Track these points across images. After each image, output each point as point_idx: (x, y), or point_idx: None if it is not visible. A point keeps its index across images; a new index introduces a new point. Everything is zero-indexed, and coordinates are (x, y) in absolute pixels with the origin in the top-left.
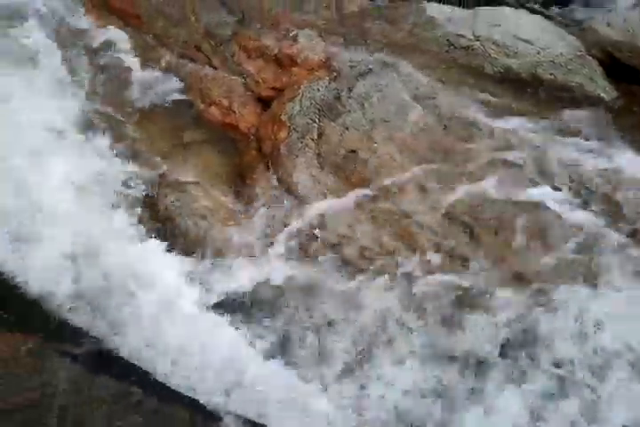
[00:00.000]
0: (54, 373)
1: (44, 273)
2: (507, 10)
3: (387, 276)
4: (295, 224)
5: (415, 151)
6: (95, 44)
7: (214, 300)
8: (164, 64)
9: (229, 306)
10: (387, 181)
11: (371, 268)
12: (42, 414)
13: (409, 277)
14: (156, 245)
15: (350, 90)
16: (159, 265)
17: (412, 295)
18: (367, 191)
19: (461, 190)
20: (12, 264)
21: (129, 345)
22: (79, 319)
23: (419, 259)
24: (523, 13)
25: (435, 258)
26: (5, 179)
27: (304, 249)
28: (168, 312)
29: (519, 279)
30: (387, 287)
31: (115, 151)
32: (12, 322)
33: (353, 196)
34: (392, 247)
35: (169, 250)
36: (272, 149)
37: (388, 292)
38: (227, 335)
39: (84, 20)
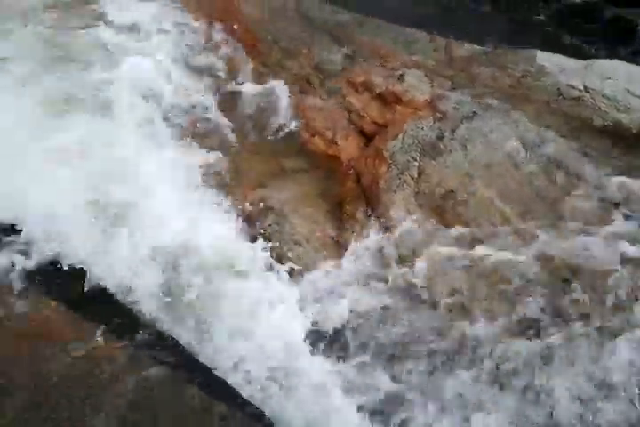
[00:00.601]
0: (147, 378)
1: (149, 289)
2: (619, 63)
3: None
4: (387, 257)
5: (517, 198)
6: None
7: (308, 324)
8: (274, 92)
9: (323, 335)
10: (485, 226)
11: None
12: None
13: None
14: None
15: (454, 131)
16: (257, 282)
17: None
18: (464, 233)
19: (564, 243)
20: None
21: (220, 361)
22: (173, 329)
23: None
24: (636, 68)
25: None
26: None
27: (393, 283)
28: (261, 330)
29: None
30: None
31: (218, 171)
32: (110, 328)
33: (449, 237)
34: (484, 295)
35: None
36: (371, 182)
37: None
38: (317, 364)
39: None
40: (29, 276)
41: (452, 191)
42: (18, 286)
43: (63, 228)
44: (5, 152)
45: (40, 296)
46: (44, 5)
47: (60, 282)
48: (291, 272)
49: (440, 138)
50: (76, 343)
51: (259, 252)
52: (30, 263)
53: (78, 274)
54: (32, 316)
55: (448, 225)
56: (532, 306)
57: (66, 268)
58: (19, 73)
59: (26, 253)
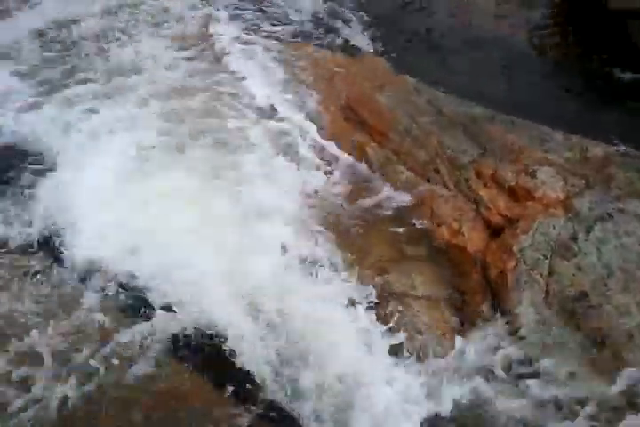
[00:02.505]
0: None
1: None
2: None
3: None
4: (509, 356)
5: None
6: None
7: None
8: (401, 179)
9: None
10: (620, 336)
11: None
12: None
13: None
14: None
15: (588, 232)
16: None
17: None
18: (596, 339)
19: None
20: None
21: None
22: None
23: None
24: None
25: None
26: None
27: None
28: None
29: None
30: None
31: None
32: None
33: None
34: None
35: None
36: (498, 277)
37: None
38: None
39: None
40: (170, 339)
41: (585, 294)
42: (157, 347)
43: (204, 296)
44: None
45: (178, 359)
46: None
47: (198, 346)
48: (410, 359)
49: (573, 238)
50: (207, 407)
51: (378, 337)
52: (172, 327)
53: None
54: (170, 377)
55: (578, 329)
56: None
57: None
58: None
59: (166, 317)
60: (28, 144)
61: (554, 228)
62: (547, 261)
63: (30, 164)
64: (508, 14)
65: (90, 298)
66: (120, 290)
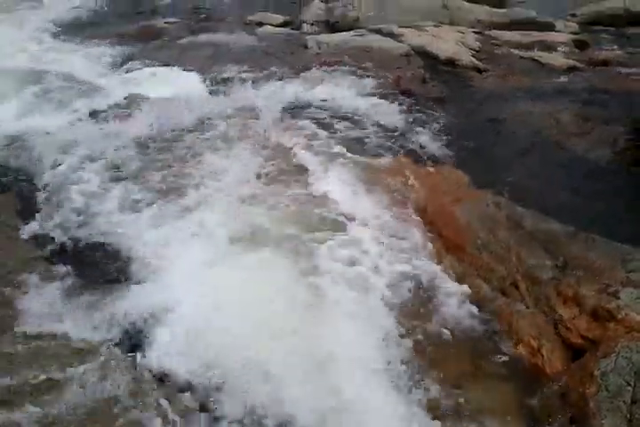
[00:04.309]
0: None
1: None
2: None
3: None
4: None
5: None
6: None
7: None
8: (479, 293)
9: None
10: None
11: None
12: None
13: None
14: None
15: None
16: None
17: None
18: None
19: None
20: None
21: None
22: None
23: None
24: None
25: None
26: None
27: None
28: None
29: None
30: None
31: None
32: None
33: None
34: None
35: None
36: (578, 401)
37: None
38: None
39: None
40: None
41: None
42: None
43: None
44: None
45: None
46: None
47: None
48: None
49: None
50: None
51: None
52: None
53: None
54: None
55: None
56: None
57: None
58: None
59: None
60: (118, 239)
61: (637, 353)
62: (630, 388)
63: (119, 260)
64: (589, 131)
65: None
66: None
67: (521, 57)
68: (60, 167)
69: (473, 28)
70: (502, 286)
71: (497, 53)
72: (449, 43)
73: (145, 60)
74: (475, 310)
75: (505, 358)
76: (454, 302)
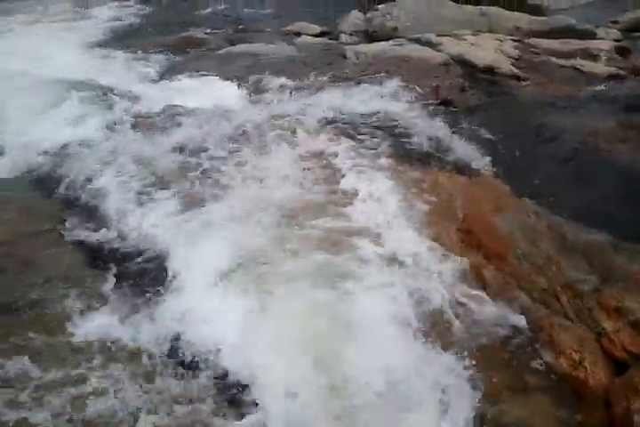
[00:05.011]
0: None
1: None
2: None
3: None
4: None
5: None
6: None
7: None
8: (519, 304)
9: None
10: None
11: None
12: None
13: None
14: None
15: None
16: None
17: None
18: None
19: None
20: None
21: None
22: None
23: None
24: None
25: None
26: None
27: None
28: None
29: None
30: None
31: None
32: None
33: None
34: None
35: None
36: (623, 416)
37: None
38: None
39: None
40: None
41: None
42: None
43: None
44: None
45: None
46: None
47: None
48: None
49: None
50: None
51: None
52: None
53: None
54: None
55: None
56: None
57: None
58: None
59: None
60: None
61: None
62: None
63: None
64: (634, 139)
65: None
66: None
67: (561, 65)
68: (102, 176)
69: (511, 35)
70: (543, 297)
71: (536, 61)
72: (487, 51)
73: (185, 70)
74: (515, 321)
75: (546, 371)
76: (493, 313)
